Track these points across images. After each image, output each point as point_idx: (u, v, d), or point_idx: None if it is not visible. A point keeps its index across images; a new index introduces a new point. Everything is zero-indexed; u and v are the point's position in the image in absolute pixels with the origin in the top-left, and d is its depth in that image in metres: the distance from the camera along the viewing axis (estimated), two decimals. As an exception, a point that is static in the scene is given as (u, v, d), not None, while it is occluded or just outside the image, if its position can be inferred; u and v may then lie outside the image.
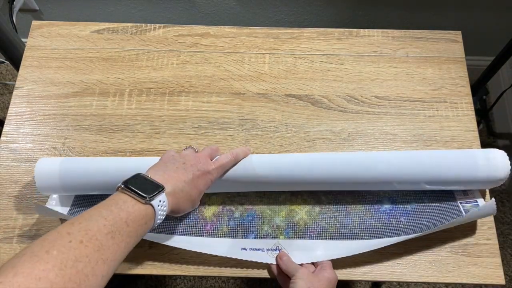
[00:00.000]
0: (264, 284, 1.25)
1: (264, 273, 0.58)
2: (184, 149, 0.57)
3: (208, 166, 0.53)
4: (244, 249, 0.57)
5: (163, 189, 0.47)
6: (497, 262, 0.58)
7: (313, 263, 0.57)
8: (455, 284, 0.58)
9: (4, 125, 0.67)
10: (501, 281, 0.57)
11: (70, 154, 0.65)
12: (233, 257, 0.56)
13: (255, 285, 1.25)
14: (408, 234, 0.57)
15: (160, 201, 0.46)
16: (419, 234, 0.56)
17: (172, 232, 0.58)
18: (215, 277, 1.26)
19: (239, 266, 0.58)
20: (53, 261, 0.35)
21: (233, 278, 1.24)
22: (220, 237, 0.58)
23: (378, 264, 0.58)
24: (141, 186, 0.46)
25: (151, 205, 0.45)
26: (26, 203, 0.62)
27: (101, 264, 0.38)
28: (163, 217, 0.48)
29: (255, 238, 0.58)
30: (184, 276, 1.26)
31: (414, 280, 0.57)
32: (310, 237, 0.58)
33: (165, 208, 0.47)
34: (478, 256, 0.58)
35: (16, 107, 0.69)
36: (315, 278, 0.53)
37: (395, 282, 1.23)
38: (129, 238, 0.42)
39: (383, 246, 0.56)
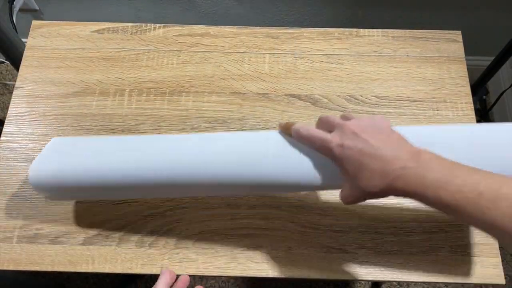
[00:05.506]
0: (264, 284, 1.25)
1: (264, 273, 0.58)
2: None
3: None
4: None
5: None
6: (497, 262, 0.58)
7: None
8: (455, 284, 0.58)
9: (4, 125, 0.67)
10: (501, 281, 0.57)
11: (70, 154, 0.65)
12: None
13: (255, 285, 1.25)
14: None
15: None
16: None
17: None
18: (215, 277, 1.26)
19: (240, 266, 0.58)
20: None
21: (233, 278, 1.24)
22: None
23: (378, 264, 0.58)
24: None
25: None
26: (26, 203, 0.62)
27: None
28: None
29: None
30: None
31: (414, 280, 0.57)
32: None
33: None
34: (478, 256, 0.58)
35: (16, 107, 0.69)
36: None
37: (395, 282, 1.23)
38: None
39: None
